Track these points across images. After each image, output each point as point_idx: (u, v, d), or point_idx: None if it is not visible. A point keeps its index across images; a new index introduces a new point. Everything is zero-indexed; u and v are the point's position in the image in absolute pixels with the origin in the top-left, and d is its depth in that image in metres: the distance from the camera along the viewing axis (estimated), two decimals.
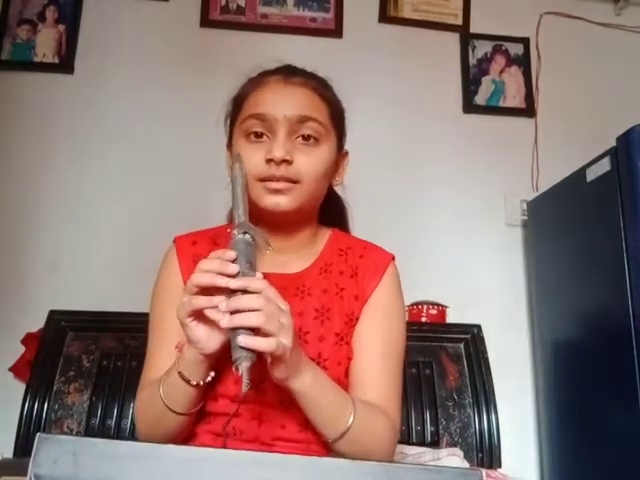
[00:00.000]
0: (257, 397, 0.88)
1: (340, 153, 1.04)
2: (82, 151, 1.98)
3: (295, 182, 0.92)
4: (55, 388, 1.57)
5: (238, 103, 1.00)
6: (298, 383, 0.82)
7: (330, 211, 1.09)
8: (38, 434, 0.51)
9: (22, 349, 1.75)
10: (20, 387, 1.60)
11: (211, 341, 0.81)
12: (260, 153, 0.92)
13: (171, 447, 0.54)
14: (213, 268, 0.77)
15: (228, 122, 1.04)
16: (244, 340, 0.73)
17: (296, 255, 1.01)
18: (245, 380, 0.73)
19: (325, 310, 0.95)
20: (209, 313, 0.77)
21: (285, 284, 0.94)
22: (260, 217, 0.96)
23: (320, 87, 1.00)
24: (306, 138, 0.94)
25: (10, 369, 1.75)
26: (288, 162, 0.91)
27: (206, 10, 2.13)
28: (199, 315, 0.79)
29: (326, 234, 1.07)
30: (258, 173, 0.92)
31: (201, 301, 0.77)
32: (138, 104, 2.03)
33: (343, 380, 0.93)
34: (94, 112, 2.02)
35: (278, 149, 0.91)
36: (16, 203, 1.92)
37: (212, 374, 0.86)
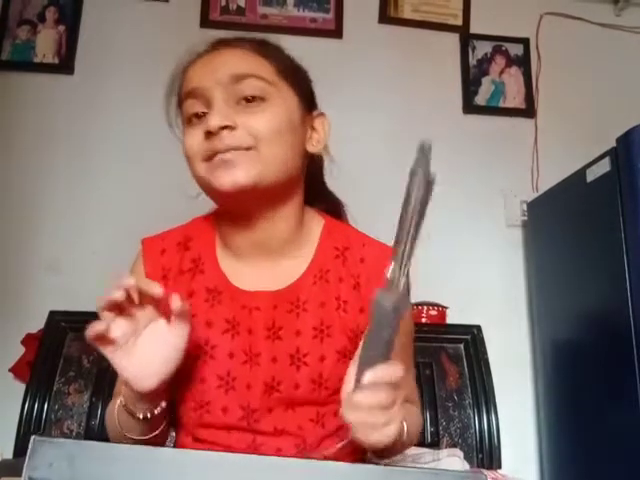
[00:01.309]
0: (250, 425, 0.81)
1: (309, 114, 0.88)
2: (82, 151, 1.98)
3: (248, 149, 0.78)
4: (55, 389, 1.57)
5: (175, 88, 0.91)
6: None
7: (322, 207, 0.96)
8: (33, 437, 0.51)
9: (22, 350, 1.75)
10: (20, 387, 1.60)
11: (146, 380, 0.71)
12: (199, 131, 0.80)
13: (167, 450, 0.54)
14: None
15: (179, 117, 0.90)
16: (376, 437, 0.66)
17: (283, 261, 0.87)
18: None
19: (325, 327, 0.84)
20: None
21: (277, 302, 0.84)
22: (229, 215, 0.85)
23: (259, 46, 0.85)
24: (249, 99, 0.80)
25: (10, 369, 1.75)
26: (230, 127, 0.77)
27: (206, 10, 2.13)
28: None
29: (318, 225, 0.92)
30: (200, 153, 0.80)
31: None
32: (138, 104, 2.02)
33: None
34: (94, 112, 2.02)
35: (214, 116, 0.77)
36: (16, 203, 1.92)
37: (163, 404, 0.77)
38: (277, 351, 0.82)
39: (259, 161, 0.78)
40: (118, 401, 0.79)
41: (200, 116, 0.81)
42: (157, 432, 0.80)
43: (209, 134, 0.77)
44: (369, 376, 0.63)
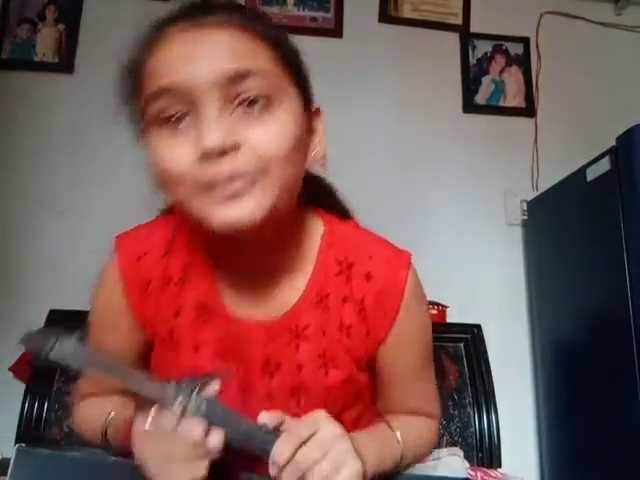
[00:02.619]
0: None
1: (307, 112, 0.69)
2: (82, 151, 1.98)
3: (256, 174, 0.60)
4: (55, 388, 1.56)
5: (133, 77, 0.67)
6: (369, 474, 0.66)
7: (312, 198, 0.78)
8: (16, 446, 0.50)
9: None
10: (20, 387, 1.60)
11: None
12: (184, 147, 0.60)
13: None
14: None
15: (127, 107, 0.71)
16: None
17: (280, 280, 0.74)
18: None
19: (329, 359, 0.73)
20: None
21: (275, 332, 0.73)
22: (216, 238, 0.67)
23: (253, 21, 0.63)
24: (250, 103, 0.60)
25: (10, 369, 1.75)
26: (234, 148, 0.59)
27: None
28: None
29: (318, 231, 0.77)
30: (192, 179, 0.59)
31: None
32: None
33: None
34: (94, 112, 2.01)
35: (210, 133, 0.57)
36: (16, 203, 1.91)
37: None
38: (274, 388, 0.73)
39: (270, 190, 0.61)
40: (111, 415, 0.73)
41: (178, 120, 0.60)
42: None
43: (205, 156, 0.58)
44: (272, 467, 0.59)
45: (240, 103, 0.60)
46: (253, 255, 0.72)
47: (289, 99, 0.64)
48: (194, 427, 0.57)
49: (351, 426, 0.72)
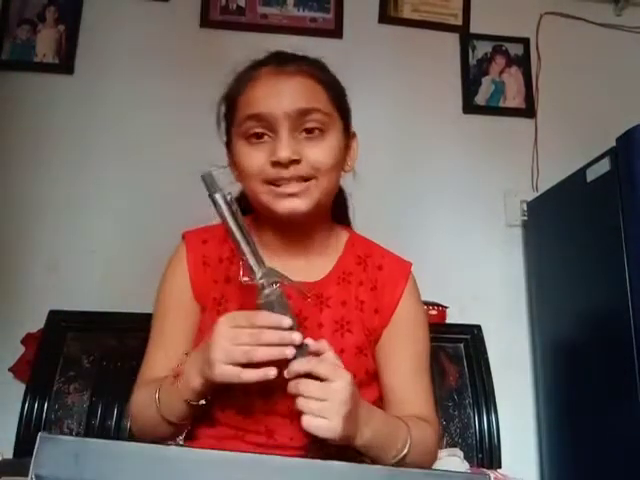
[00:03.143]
0: (265, 408, 0.87)
1: (347, 135, 0.97)
2: (82, 151, 1.98)
3: (308, 179, 0.87)
4: (55, 388, 1.57)
5: (231, 102, 0.93)
6: (359, 442, 0.79)
7: (335, 204, 1.03)
8: (40, 433, 0.51)
9: (22, 349, 1.75)
10: (20, 387, 1.60)
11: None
12: (263, 154, 0.87)
13: (173, 448, 0.54)
14: (274, 340, 0.75)
15: (223, 123, 0.97)
16: (307, 423, 0.73)
17: (313, 260, 0.97)
18: None
19: (345, 322, 0.92)
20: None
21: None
22: (271, 221, 0.93)
23: (316, 70, 0.93)
24: (310, 131, 0.88)
25: (10, 369, 1.75)
26: (296, 161, 0.85)
27: (206, 10, 2.13)
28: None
29: (343, 236, 1.02)
30: (265, 176, 0.87)
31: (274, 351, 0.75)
32: (138, 104, 2.02)
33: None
34: (94, 112, 2.02)
35: (283, 150, 0.84)
36: (16, 203, 1.91)
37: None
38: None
39: (317, 191, 0.88)
40: (160, 387, 0.86)
41: (260, 136, 0.87)
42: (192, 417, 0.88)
43: (276, 164, 0.85)
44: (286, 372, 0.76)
45: (303, 130, 0.87)
46: (295, 237, 0.95)
47: (336, 129, 0.91)
48: (284, 319, 0.76)
49: None
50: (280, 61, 0.92)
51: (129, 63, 2.06)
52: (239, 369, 0.74)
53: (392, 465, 0.81)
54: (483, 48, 2.25)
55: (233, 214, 0.77)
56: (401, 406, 0.93)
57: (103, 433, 1.53)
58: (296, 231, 0.95)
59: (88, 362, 1.61)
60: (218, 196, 0.76)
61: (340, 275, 0.96)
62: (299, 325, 0.79)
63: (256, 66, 0.92)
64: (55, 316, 1.64)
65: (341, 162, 0.93)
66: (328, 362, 0.76)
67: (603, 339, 1.57)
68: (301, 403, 0.73)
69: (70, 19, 2.07)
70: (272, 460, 0.57)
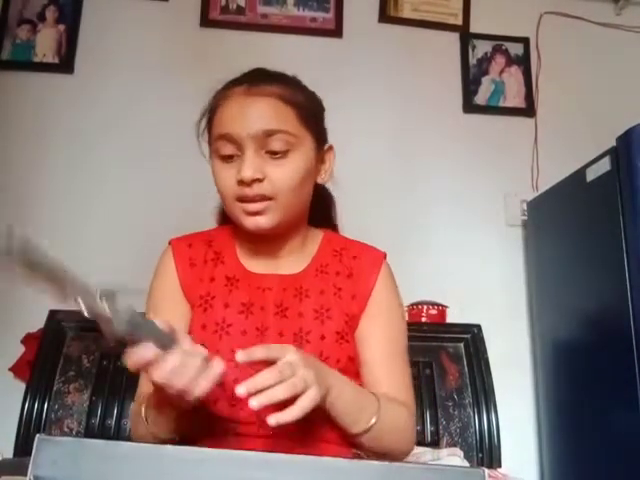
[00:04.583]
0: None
1: (321, 151, 1.00)
2: (82, 151, 1.98)
3: (270, 199, 0.91)
4: (55, 388, 1.57)
5: (209, 118, 0.98)
6: (326, 401, 0.81)
7: (316, 207, 1.07)
8: (37, 435, 0.51)
9: (22, 349, 1.75)
10: (20, 387, 1.60)
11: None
12: (231, 173, 0.91)
13: (170, 448, 0.54)
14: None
15: (207, 135, 1.01)
16: (295, 412, 0.72)
17: (290, 258, 1.02)
18: None
19: (324, 310, 0.96)
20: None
21: (285, 285, 0.98)
22: (247, 232, 0.97)
23: (286, 92, 0.94)
24: (274, 152, 0.91)
25: (10, 369, 1.75)
26: (259, 180, 0.89)
27: (206, 10, 2.13)
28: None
29: (318, 235, 1.06)
30: (233, 194, 0.92)
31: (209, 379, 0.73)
32: (138, 104, 2.02)
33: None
34: (94, 112, 2.02)
35: (246, 169, 0.89)
36: (15, 203, 1.92)
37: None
38: (283, 327, 0.94)
39: (278, 210, 0.92)
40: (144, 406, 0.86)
41: (231, 156, 0.92)
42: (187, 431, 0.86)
43: (241, 182, 0.89)
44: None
45: (267, 151, 0.91)
46: (270, 243, 1.00)
47: (304, 147, 0.94)
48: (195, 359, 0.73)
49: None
50: (252, 81, 0.94)
51: (129, 63, 2.06)
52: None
53: (360, 434, 0.86)
54: (483, 48, 2.25)
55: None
56: (376, 387, 0.95)
57: (103, 433, 1.53)
58: (270, 239, 0.99)
59: (88, 362, 1.61)
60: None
61: (317, 267, 1.01)
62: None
63: (230, 85, 0.96)
64: (55, 316, 1.64)
65: (308, 179, 0.97)
66: (261, 348, 0.77)
67: (603, 339, 1.57)
68: (273, 394, 0.71)
69: (70, 19, 2.07)
70: (271, 457, 0.57)
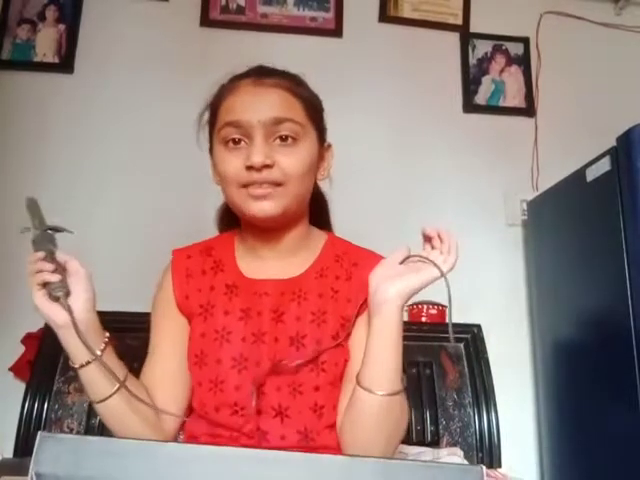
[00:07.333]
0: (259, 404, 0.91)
1: (322, 147, 1.02)
2: (82, 151, 1.98)
3: (278, 185, 0.92)
4: (55, 388, 1.56)
5: (213, 110, 1.00)
6: (396, 323, 0.89)
7: (312, 208, 1.08)
8: (39, 432, 0.51)
9: (22, 349, 1.75)
10: (20, 387, 1.60)
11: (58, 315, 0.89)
12: (239, 159, 0.92)
13: (171, 445, 0.54)
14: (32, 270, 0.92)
15: (207, 129, 1.03)
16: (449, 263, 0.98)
17: (292, 259, 1.02)
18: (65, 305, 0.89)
19: (321, 313, 0.97)
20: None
21: (283, 289, 0.98)
22: (250, 223, 0.99)
23: (292, 85, 0.97)
24: (284, 139, 0.93)
25: (10, 369, 1.75)
26: (269, 166, 0.90)
27: (206, 10, 2.13)
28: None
29: (322, 238, 1.07)
30: (239, 180, 0.92)
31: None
32: (138, 104, 2.02)
33: (339, 381, 0.95)
34: (94, 112, 2.02)
35: (257, 155, 0.90)
36: (15, 203, 1.91)
37: (107, 336, 0.91)
38: (279, 332, 0.95)
39: (286, 196, 0.93)
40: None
41: (236, 141, 0.93)
42: (118, 388, 0.89)
43: (250, 168, 0.90)
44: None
45: (277, 138, 0.93)
46: (274, 240, 1.00)
47: (309, 139, 0.97)
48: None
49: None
50: (259, 74, 0.97)
51: (129, 62, 2.06)
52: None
53: (382, 397, 0.87)
54: (483, 47, 2.25)
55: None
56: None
57: (103, 432, 1.53)
58: (274, 234, 1.00)
59: None
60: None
61: (318, 271, 1.01)
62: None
63: (237, 78, 0.98)
64: None
65: (313, 171, 0.99)
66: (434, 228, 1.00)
67: (603, 339, 1.57)
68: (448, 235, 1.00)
69: (70, 18, 2.07)
70: (269, 454, 0.57)
